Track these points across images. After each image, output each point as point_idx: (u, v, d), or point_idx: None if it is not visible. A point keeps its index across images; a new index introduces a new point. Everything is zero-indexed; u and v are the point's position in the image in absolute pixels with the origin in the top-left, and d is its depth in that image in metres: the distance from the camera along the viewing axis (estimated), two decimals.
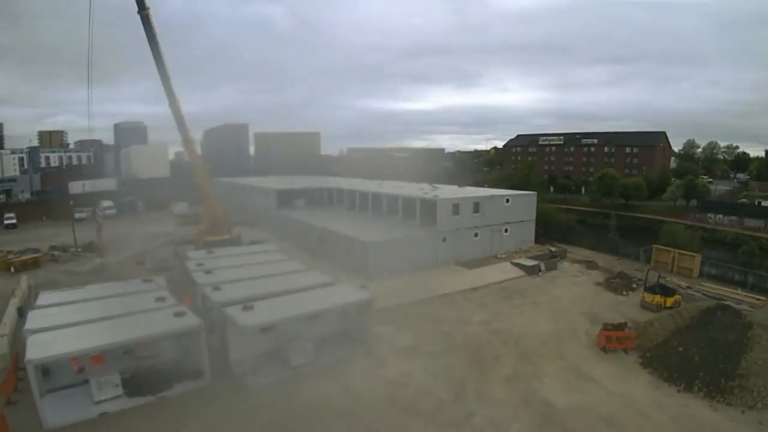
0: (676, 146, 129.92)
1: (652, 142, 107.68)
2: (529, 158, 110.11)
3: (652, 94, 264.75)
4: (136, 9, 31.06)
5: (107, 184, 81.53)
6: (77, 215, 54.42)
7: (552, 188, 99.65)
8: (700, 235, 43.32)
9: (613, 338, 21.57)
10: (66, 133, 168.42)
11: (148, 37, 31.67)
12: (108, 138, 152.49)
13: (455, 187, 53.51)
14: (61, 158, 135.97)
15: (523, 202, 41.87)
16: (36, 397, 15.27)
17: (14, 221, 58.50)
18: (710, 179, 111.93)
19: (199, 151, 36.56)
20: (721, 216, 66.04)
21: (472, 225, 37.63)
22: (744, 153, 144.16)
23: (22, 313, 23.67)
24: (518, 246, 40.40)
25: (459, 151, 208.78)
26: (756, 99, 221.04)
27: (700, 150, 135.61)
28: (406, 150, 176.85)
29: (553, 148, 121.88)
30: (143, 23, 31.45)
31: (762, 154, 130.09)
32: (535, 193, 45.40)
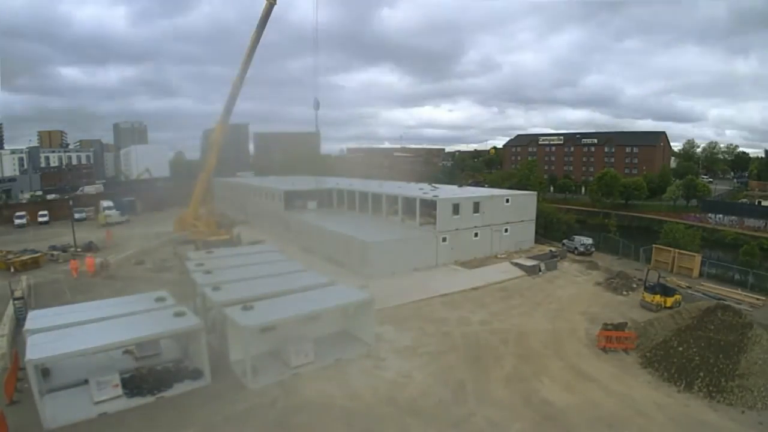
0: (676, 146, 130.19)
1: (652, 141, 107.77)
2: (529, 158, 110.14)
3: None
4: None
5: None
6: (77, 215, 54.43)
7: (552, 188, 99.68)
8: (700, 235, 43.29)
9: (613, 338, 21.57)
10: (66, 133, 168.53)
11: (260, 23, 34.53)
12: (108, 137, 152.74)
13: (455, 187, 53.54)
14: (60, 158, 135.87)
15: (523, 202, 41.86)
16: (36, 397, 15.26)
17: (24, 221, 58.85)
18: (710, 179, 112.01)
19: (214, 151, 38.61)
20: (721, 216, 66.06)
21: (472, 225, 37.62)
22: (744, 153, 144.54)
23: (22, 314, 23.63)
24: (518, 246, 40.39)
25: (459, 151, 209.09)
26: None
27: (700, 150, 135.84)
28: (406, 150, 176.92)
29: (553, 148, 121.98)
30: (265, 11, 34.16)
31: (762, 153, 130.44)
32: (535, 193, 45.41)
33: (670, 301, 26.25)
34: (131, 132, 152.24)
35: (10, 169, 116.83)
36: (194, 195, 39.66)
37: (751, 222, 61.96)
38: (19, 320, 22.77)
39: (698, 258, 34.32)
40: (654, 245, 37.44)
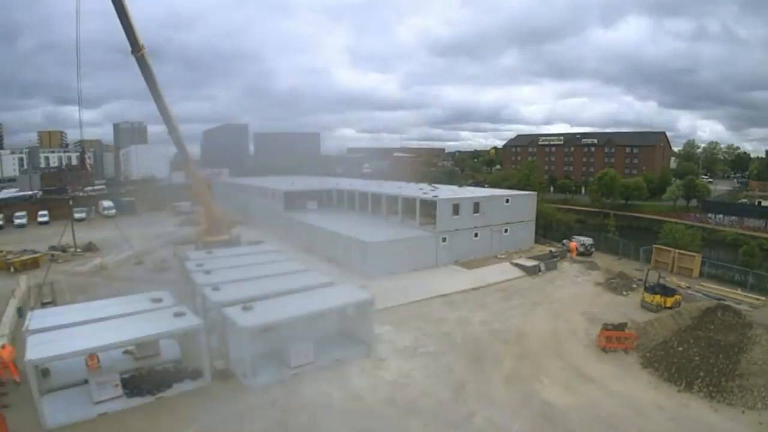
0: (676, 146, 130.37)
1: (652, 142, 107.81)
2: (529, 158, 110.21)
3: None
4: (130, 50, 28.15)
5: None
6: (77, 215, 54.41)
7: (552, 188, 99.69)
8: (700, 235, 43.28)
9: (613, 338, 21.55)
10: (66, 133, 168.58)
11: (145, 77, 29.21)
12: (108, 137, 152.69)
13: (455, 188, 53.55)
14: (60, 158, 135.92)
15: (523, 202, 41.86)
16: (36, 397, 15.26)
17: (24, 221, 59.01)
18: (710, 179, 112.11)
19: (196, 164, 36.58)
20: (721, 216, 66.08)
21: (472, 225, 37.61)
22: (744, 153, 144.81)
23: (21, 314, 23.62)
24: (518, 246, 40.38)
25: (459, 151, 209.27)
26: None
27: (700, 150, 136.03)
28: (406, 150, 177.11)
29: (553, 148, 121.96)
30: (139, 64, 28.68)
31: (762, 154, 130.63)
32: (535, 193, 45.41)
33: (670, 301, 26.22)
34: (131, 132, 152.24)
35: (10, 169, 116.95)
36: (207, 208, 38.86)
37: (751, 222, 62.02)
38: (19, 320, 22.68)
39: (698, 258, 34.30)
40: (654, 245, 37.40)
